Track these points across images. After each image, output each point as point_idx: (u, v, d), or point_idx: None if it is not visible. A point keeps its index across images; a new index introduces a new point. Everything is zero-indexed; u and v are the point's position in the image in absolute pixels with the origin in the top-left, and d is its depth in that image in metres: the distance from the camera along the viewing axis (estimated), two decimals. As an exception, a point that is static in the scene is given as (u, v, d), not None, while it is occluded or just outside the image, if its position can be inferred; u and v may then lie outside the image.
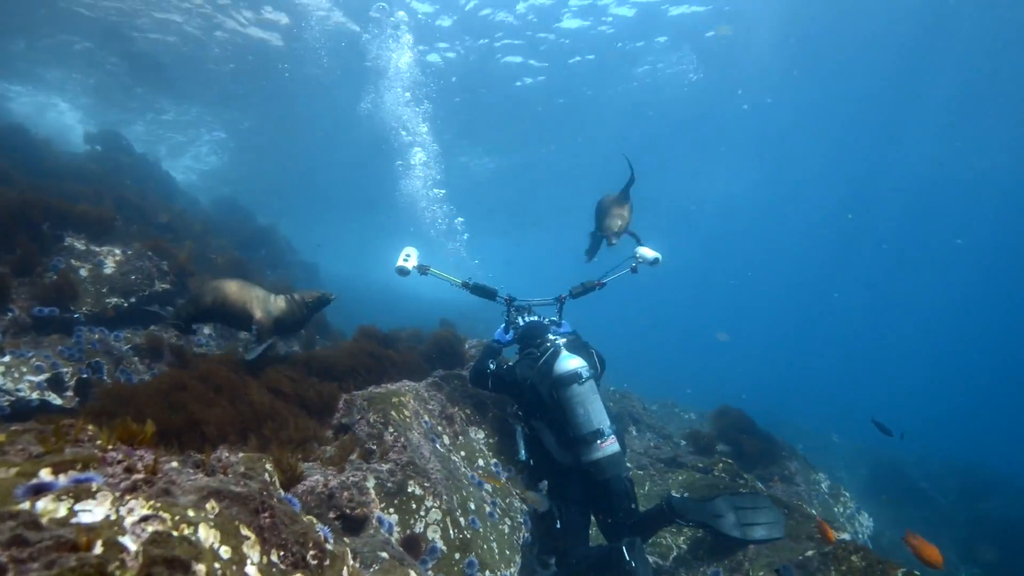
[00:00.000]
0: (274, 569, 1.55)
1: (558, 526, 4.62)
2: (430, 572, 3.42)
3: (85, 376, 4.52)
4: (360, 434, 3.89)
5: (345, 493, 3.04)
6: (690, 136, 24.11)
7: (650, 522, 4.61)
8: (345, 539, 2.88)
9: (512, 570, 3.95)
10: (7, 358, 4.18)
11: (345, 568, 1.81)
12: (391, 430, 3.91)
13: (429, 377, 5.39)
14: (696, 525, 4.51)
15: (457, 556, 3.55)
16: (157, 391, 3.83)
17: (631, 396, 9.34)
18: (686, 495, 4.72)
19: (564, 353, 4.73)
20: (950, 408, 42.77)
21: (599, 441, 4.30)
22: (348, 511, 2.98)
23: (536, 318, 5.65)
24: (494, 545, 3.93)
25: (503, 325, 5.64)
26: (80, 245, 5.80)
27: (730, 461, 6.00)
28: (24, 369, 4.17)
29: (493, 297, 5.73)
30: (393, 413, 4.09)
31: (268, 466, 2.41)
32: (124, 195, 8.56)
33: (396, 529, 3.45)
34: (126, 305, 5.72)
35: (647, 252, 5.73)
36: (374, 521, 3.17)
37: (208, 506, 1.50)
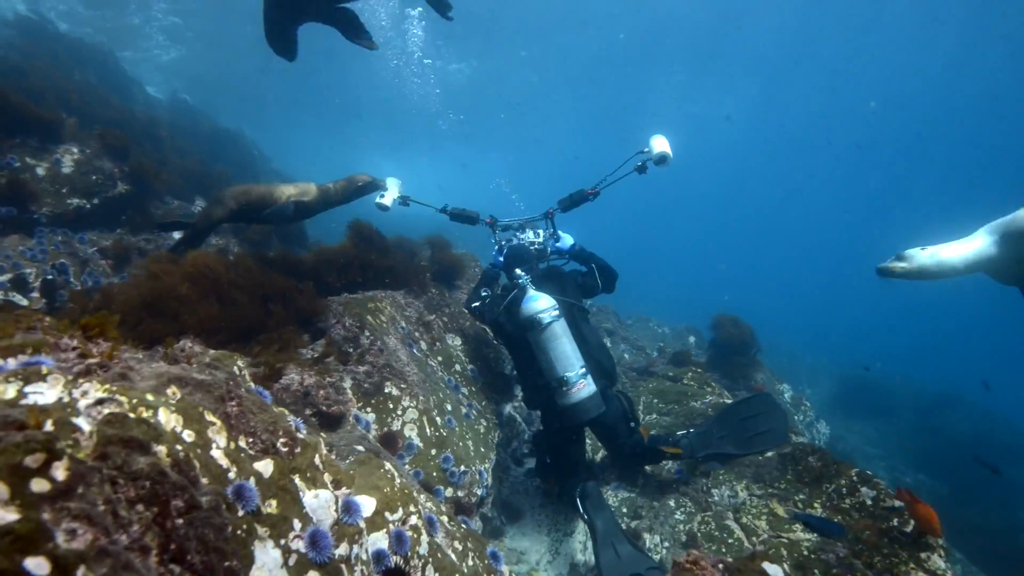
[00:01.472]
0: (242, 454, 1.54)
1: (547, 461, 4.66)
2: (407, 466, 3.53)
3: (50, 277, 4.39)
4: (336, 337, 3.88)
5: (321, 391, 3.06)
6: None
7: (651, 453, 4.44)
8: (322, 433, 2.93)
9: (486, 465, 4.11)
10: (-36, 257, 4.02)
11: (317, 456, 1.83)
12: (367, 334, 3.90)
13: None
14: (705, 459, 4.35)
15: (433, 452, 3.66)
16: (137, 292, 3.72)
17: (607, 310, 9.49)
18: (690, 431, 4.45)
19: (529, 293, 4.40)
20: (921, 331, 44.52)
21: (564, 388, 4.11)
22: (324, 408, 3.01)
23: (525, 237, 5.32)
24: (469, 443, 4.05)
25: (494, 251, 5.36)
26: (34, 143, 5.46)
27: (699, 370, 6.19)
28: (-16, 269, 4.03)
29: (474, 221, 5.43)
30: (369, 318, 4.08)
31: (239, 362, 2.39)
32: (69, 93, 7.96)
33: (374, 427, 3.52)
34: (88, 207, 5.48)
35: (658, 144, 4.83)
36: (351, 419, 3.22)
37: (169, 391, 1.46)
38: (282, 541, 1.45)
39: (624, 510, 4.53)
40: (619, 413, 4.51)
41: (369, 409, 3.55)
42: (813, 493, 3.88)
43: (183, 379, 1.53)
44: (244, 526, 1.35)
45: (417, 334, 4.69)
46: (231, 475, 1.43)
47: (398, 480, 2.39)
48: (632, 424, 4.52)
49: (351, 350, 3.82)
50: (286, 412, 2.05)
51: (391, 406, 3.63)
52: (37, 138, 5.49)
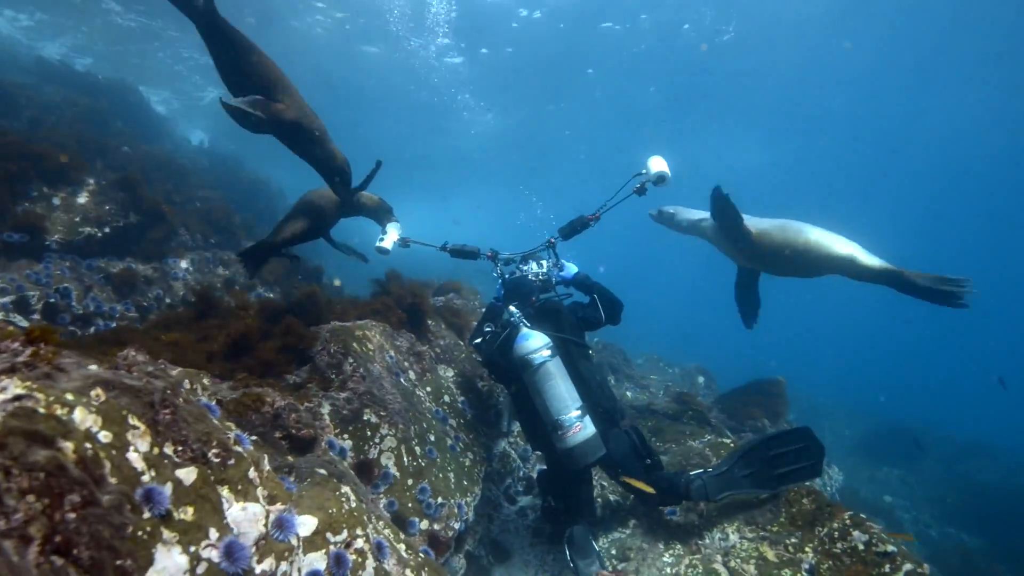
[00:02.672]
0: (165, 460, 1.54)
1: (551, 504, 4.43)
2: (382, 496, 3.48)
3: (52, 300, 4.52)
4: (320, 363, 3.90)
5: (292, 415, 3.06)
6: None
7: (666, 496, 4.16)
8: (289, 456, 2.92)
9: (468, 499, 4.02)
10: (-30, 279, 4.17)
11: (252, 470, 1.82)
12: (351, 360, 3.91)
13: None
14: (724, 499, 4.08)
15: (410, 482, 3.60)
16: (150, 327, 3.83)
17: (613, 348, 9.38)
18: (705, 472, 4.14)
19: (522, 331, 4.25)
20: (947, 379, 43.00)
21: (560, 432, 3.92)
22: (294, 431, 3.00)
23: (528, 269, 5.17)
24: (451, 475, 3.98)
25: (498, 286, 5.22)
26: (52, 179, 5.73)
27: (699, 410, 6.03)
28: (-12, 291, 4.17)
29: (475, 256, 5.28)
30: (354, 345, 4.09)
31: (205, 380, 2.41)
32: (105, 143, 8.37)
33: (350, 454, 3.49)
34: (99, 235, 5.68)
35: (655, 164, 4.82)
36: (323, 443, 3.21)
37: (93, 393, 1.48)
38: (192, 548, 1.43)
39: (613, 551, 4.37)
40: (628, 450, 4.26)
41: (347, 436, 3.52)
42: (805, 536, 3.71)
43: (111, 383, 1.55)
44: (148, 528, 1.34)
45: (407, 364, 4.69)
46: (145, 478, 1.43)
47: (352, 504, 2.36)
48: (648, 460, 4.26)
49: (333, 376, 3.83)
50: (231, 427, 2.05)
51: (369, 433, 3.60)
52: (55, 176, 5.75)
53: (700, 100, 21.98)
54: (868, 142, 26.18)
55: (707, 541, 4.06)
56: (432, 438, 4.09)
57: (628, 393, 7.62)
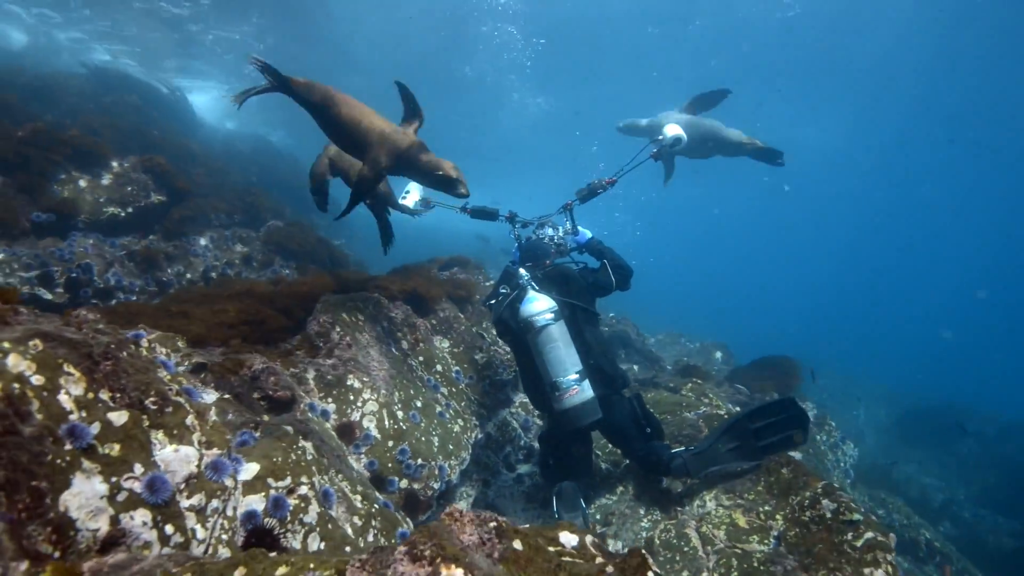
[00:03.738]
0: (99, 404, 1.73)
1: (549, 463, 4.53)
2: (363, 455, 3.68)
3: (74, 275, 4.88)
4: (310, 332, 4.12)
5: (271, 378, 3.26)
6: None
7: (654, 462, 4.19)
8: (265, 416, 3.13)
9: (451, 462, 4.19)
10: (0, 255, 4.55)
11: (191, 418, 2.00)
12: (338, 330, 4.12)
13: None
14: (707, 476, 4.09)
15: (391, 444, 3.79)
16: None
17: (626, 322, 9.37)
18: (686, 450, 4.19)
19: (529, 294, 4.30)
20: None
21: (558, 393, 4.02)
22: (271, 392, 3.21)
23: (544, 233, 5.17)
24: (435, 439, 4.16)
25: (514, 248, 5.25)
26: (80, 162, 6.11)
27: (699, 382, 6.03)
28: (15, 266, 4.54)
29: (495, 217, 5.28)
30: (344, 315, 4.29)
31: (180, 342, 2.63)
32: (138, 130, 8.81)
33: (333, 416, 3.70)
34: (123, 215, 6.04)
35: (671, 129, 5.16)
36: (302, 405, 3.41)
37: (31, 343, 1.67)
38: (113, 479, 1.61)
39: (597, 516, 4.48)
40: (628, 417, 4.30)
41: (330, 399, 3.73)
42: (779, 505, 3.73)
43: (50, 335, 1.74)
44: (68, 458, 1.53)
45: (400, 334, 4.87)
46: (73, 417, 1.62)
47: (308, 456, 2.55)
48: (648, 430, 4.31)
49: (321, 344, 4.04)
50: (182, 381, 2.25)
51: (351, 398, 3.80)
52: (82, 160, 6.13)
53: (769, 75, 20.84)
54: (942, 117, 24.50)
55: (686, 508, 4.12)
56: (419, 404, 4.27)
57: (635, 367, 7.65)
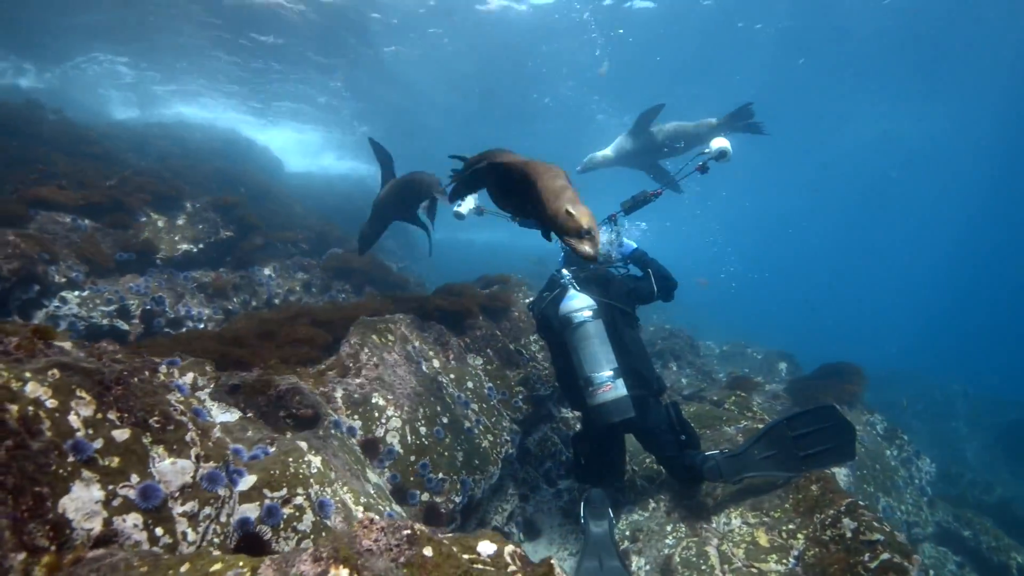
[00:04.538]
0: (106, 423, 2.03)
1: (582, 462, 4.66)
2: (387, 469, 3.90)
3: (148, 308, 5.49)
4: (342, 354, 4.42)
5: (296, 397, 3.56)
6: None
7: (692, 472, 4.21)
8: (288, 433, 3.42)
9: (476, 477, 4.33)
10: (86, 292, 5.21)
11: (190, 434, 2.28)
12: (367, 351, 4.39)
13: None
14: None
15: (413, 459, 4.00)
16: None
17: (681, 333, 9.17)
18: (720, 452, 4.21)
19: (570, 292, 4.49)
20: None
21: (591, 388, 4.11)
22: (295, 411, 3.50)
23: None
24: (459, 454, 4.32)
25: (561, 256, 5.43)
26: (161, 205, 6.86)
27: (743, 395, 5.84)
28: (97, 301, 5.19)
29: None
30: (374, 336, 4.57)
31: (208, 367, 2.96)
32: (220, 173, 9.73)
33: (360, 432, 3.96)
34: (195, 251, 6.71)
35: (718, 142, 5.14)
36: (327, 422, 3.68)
37: (50, 372, 2.00)
38: (110, 487, 1.89)
39: (627, 532, 4.47)
40: (663, 423, 4.36)
41: (357, 417, 3.99)
42: (804, 523, 3.58)
43: (68, 365, 2.07)
44: (70, 468, 1.82)
45: (432, 353, 5.09)
46: (79, 434, 1.92)
47: (313, 469, 2.78)
48: (683, 438, 4.33)
49: (351, 365, 4.33)
50: (193, 403, 2.54)
51: (376, 415, 4.04)
52: (161, 202, 6.89)
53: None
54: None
55: (712, 524, 4.04)
56: (445, 420, 4.46)
57: (684, 380, 7.48)
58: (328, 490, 2.79)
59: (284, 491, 2.50)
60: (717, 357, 10.70)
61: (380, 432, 4.00)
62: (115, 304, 5.25)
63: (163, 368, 2.64)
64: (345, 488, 2.96)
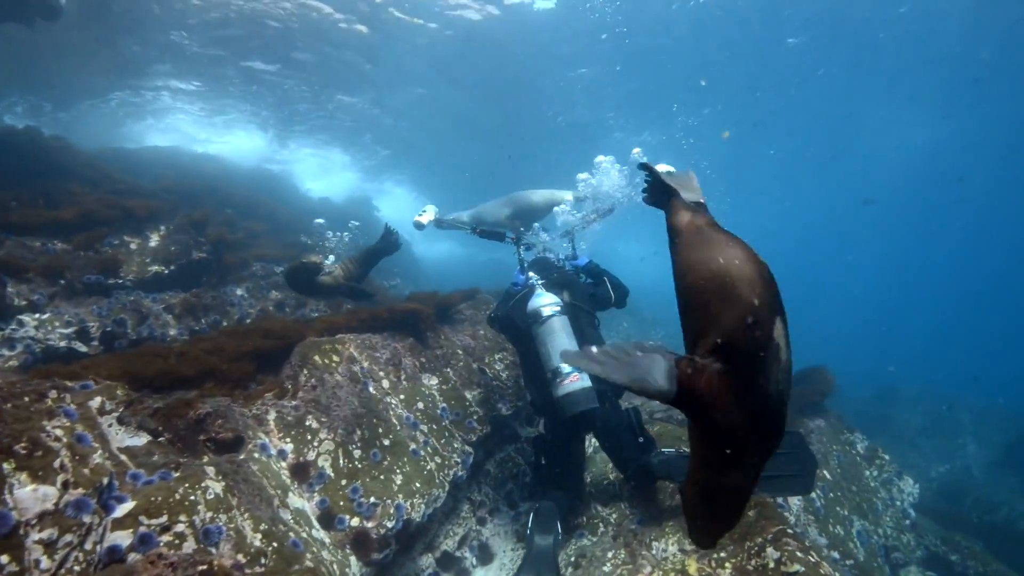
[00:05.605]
0: (-38, 450, 2.04)
1: (543, 462, 4.79)
2: (316, 493, 3.87)
3: (109, 329, 5.56)
4: (281, 376, 4.43)
5: (217, 421, 3.56)
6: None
7: (645, 473, 4.35)
8: (205, 456, 3.42)
9: (415, 500, 4.26)
10: (46, 315, 5.30)
11: (62, 461, 2.28)
12: (306, 372, 4.39)
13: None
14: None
15: (343, 482, 3.96)
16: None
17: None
18: (672, 452, 4.33)
19: (538, 291, 4.79)
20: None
21: (558, 380, 4.26)
22: (215, 434, 3.50)
23: (549, 255, 5.81)
24: (397, 477, 4.27)
25: (517, 268, 5.68)
26: (132, 224, 6.98)
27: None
28: (56, 324, 5.26)
29: (502, 239, 5.91)
30: (316, 358, 4.57)
31: (119, 391, 2.98)
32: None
33: (291, 456, 3.94)
34: (166, 272, 6.80)
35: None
36: (251, 446, 3.67)
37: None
38: (-49, 516, 1.90)
39: (572, 558, 4.38)
40: (624, 425, 4.51)
41: (288, 439, 3.98)
42: (736, 550, 3.47)
43: (-74, 393, 2.09)
44: (-98, 499, 1.83)
45: (382, 373, 5.07)
46: (-77, 463, 1.93)
47: (206, 495, 2.77)
48: (641, 441, 4.46)
49: (289, 386, 4.33)
50: (79, 427, 2.55)
51: (308, 437, 4.02)
52: (137, 223, 7.01)
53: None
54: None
55: (651, 551, 3.94)
56: (387, 442, 4.43)
57: (655, 402, 7.36)
58: (223, 517, 2.77)
59: (164, 518, 2.49)
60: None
61: (311, 455, 3.97)
62: (74, 326, 5.32)
63: (52, 394, 2.66)
64: (247, 515, 2.93)
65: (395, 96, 18.81)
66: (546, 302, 4.56)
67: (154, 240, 6.94)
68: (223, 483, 2.97)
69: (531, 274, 5.20)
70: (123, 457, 2.94)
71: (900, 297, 56.59)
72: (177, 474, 2.94)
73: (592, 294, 5.28)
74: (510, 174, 22.21)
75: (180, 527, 2.51)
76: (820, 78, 18.61)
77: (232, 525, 2.80)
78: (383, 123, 21.19)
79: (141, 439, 3.10)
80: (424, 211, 6.68)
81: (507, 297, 5.37)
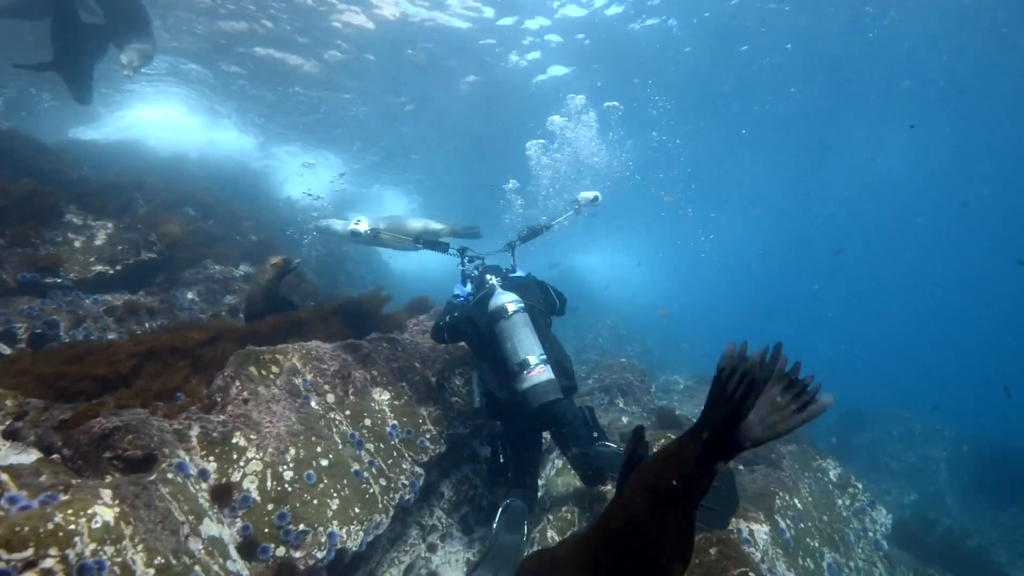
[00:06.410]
0: None
1: (500, 460, 4.81)
2: (239, 518, 3.53)
3: (39, 331, 5.17)
4: (212, 387, 4.09)
5: (127, 437, 3.22)
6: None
7: (599, 463, 4.47)
8: (109, 476, 3.07)
9: (352, 527, 3.93)
10: (-32, 314, 4.91)
11: None
12: (238, 384, 4.06)
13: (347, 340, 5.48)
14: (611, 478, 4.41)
15: (270, 507, 3.62)
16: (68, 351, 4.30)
17: (633, 368, 8.78)
18: (616, 447, 4.48)
19: (498, 291, 4.94)
20: None
21: (525, 372, 4.40)
22: (121, 452, 3.15)
23: (491, 266, 5.89)
24: (333, 501, 3.93)
25: (459, 280, 5.77)
26: (78, 220, 6.59)
27: (672, 435, 5.46)
28: (-23, 323, 4.87)
29: (445, 250, 6.02)
30: (252, 369, 4.24)
31: (8, 400, 2.63)
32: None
33: (213, 476, 3.59)
34: (111, 272, 6.42)
35: (586, 194, 6.21)
36: (165, 465, 3.33)
37: None
38: None
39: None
40: (580, 420, 4.68)
41: (212, 458, 3.64)
42: (692, 593, 3.20)
43: None
44: None
45: (327, 387, 4.75)
46: None
47: (92, 523, 2.43)
48: (595, 435, 4.61)
49: (219, 399, 3.99)
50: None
51: (235, 456, 3.69)
52: (83, 219, 6.63)
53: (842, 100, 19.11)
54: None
55: None
56: (325, 463, 4.09)
57: (624, 419, 7.08)
58: (108, 550, 2.43)
59: (30, 551, 2.15)
60: (680, 392, 10.28)
61: (236, 476, 3.63)
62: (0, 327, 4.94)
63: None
64: (141, 546, 2.60)
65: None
66: (510, 299, 4.72)
67: (100, 238, 6.55)
68: (117, 509, 2.63)
69: (488, 276, 5.34)
70: (3, 477, 2.60)
71: (865, 315, 57.16)
72: (65, 497, 2.60)
73: (544, 298, 5.46)
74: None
75: (49, 562, 2.18)
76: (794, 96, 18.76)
77: (119, 559, 2.46)
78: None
79: (30, 456, 2.76)
80: (359, 220, 6.63)
81: (449, 308, 5.43)
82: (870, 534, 6.38)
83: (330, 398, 4.69)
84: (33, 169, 8.14)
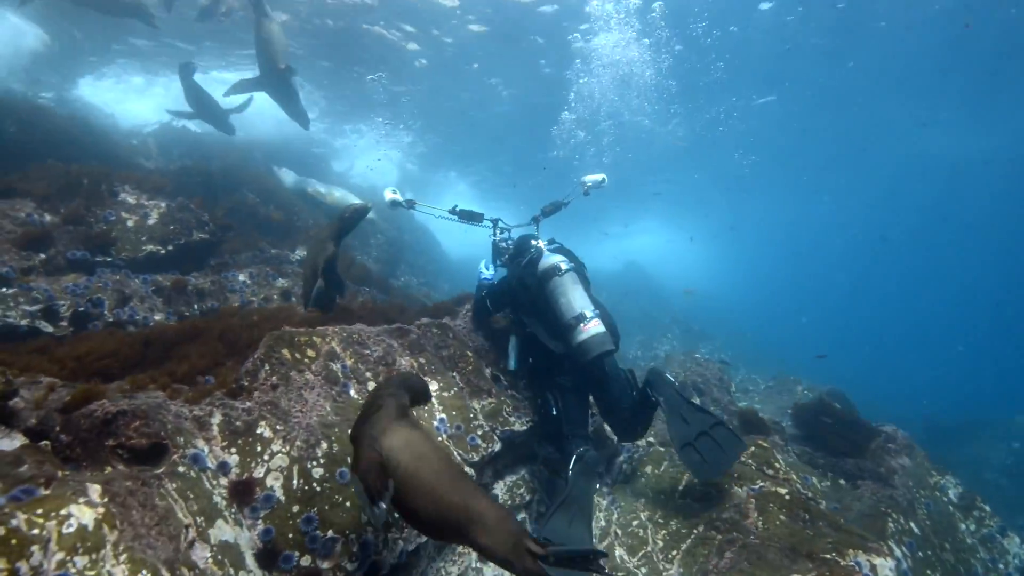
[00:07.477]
0: None
1: (553, 412, 4.83)
2: (261, 520, 3.09)
3: (82, 310, 4.99)
4: (241, 371, 3.68)
5: (134, 423, 2.83)
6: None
7: (641, 409, 4.74)
8: (109, 467, 2.69)
9: (391, 535, 3.43)
10: (13, 289, 4.76)
11: None
12: (267, 368, 3.63)
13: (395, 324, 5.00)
14: (663, 407, 4.53)
15: (295, 509, 3.16)
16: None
17: (711, 365, 7.91)
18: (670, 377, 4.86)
19: (546, 252, 5.03)
20: None
21: (581, 324, 4.50)
22: (125, 440, 2.76)
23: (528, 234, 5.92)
24: (369, 504, 3.44)
25: (484, 263, 5.85)
26: (132, 199, 6.48)
27: (764, 445, 4.66)
28: (21, 300, 4.72)
29: (480, 220, 6.09)
30: (285, 351, 3.81)
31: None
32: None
33: (235, 470, 3.18)
34: (163, 252, 6.25)
35: (593, 176, 6.37)
36: (177, 457, 2.92)
37: None
38: None
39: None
40: (624, 383, 4.92)
41: (234, 449, 3.22)
42: None
43: None
44: None
45: (369, 374, 4.27)
46: None
47: (65, 528, 2.02)
48: (634, 393, 4.84)
49: (247, 383, 3.58)
50: None
51: (259, 449, 3.25)
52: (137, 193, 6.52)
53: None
54: None
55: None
56: (362, 459, 3.61)
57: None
58: (79, 561, 2.00)
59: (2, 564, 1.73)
60: (761, 393, 9.30)
61: (260, 471, 3.20)
62: (41, 304, 4.77)
63: None
64: (123, 556, 2.16)
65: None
66: (560, 259, 4.83)
67: (153, 217, 6.40)
68: (101, 509, 2.21)
69: (533, 241, 5.38)
70: (-19, 466, 2.23)
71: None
72: (45, 492, 2.20)
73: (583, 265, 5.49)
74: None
75: (21, 570, 1.75)
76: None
77: (96, 571, 2.03)
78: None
79: (13, 442, 2.38)
80: (395, 189, 6.27)
81: (480, 287, 5.57)
82: (1000, 567, 5.32)
83: (372, 387, 4.21)
84: (95, 153, 8.22)
